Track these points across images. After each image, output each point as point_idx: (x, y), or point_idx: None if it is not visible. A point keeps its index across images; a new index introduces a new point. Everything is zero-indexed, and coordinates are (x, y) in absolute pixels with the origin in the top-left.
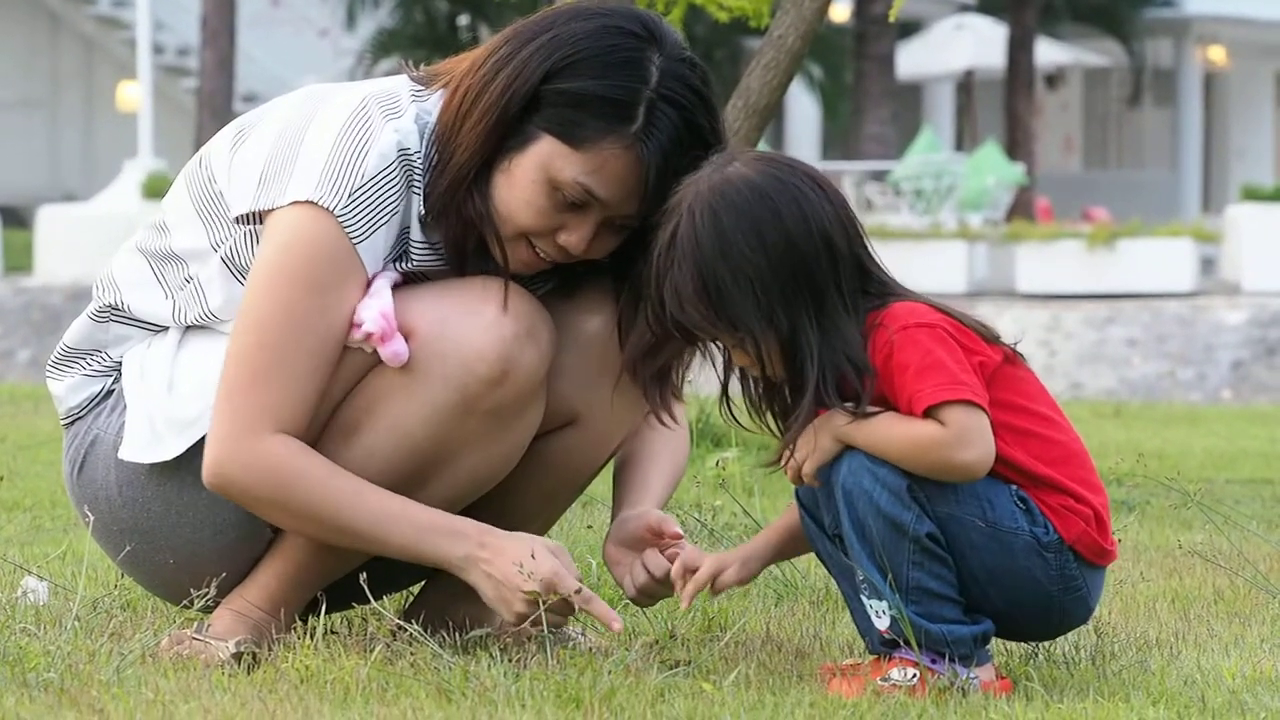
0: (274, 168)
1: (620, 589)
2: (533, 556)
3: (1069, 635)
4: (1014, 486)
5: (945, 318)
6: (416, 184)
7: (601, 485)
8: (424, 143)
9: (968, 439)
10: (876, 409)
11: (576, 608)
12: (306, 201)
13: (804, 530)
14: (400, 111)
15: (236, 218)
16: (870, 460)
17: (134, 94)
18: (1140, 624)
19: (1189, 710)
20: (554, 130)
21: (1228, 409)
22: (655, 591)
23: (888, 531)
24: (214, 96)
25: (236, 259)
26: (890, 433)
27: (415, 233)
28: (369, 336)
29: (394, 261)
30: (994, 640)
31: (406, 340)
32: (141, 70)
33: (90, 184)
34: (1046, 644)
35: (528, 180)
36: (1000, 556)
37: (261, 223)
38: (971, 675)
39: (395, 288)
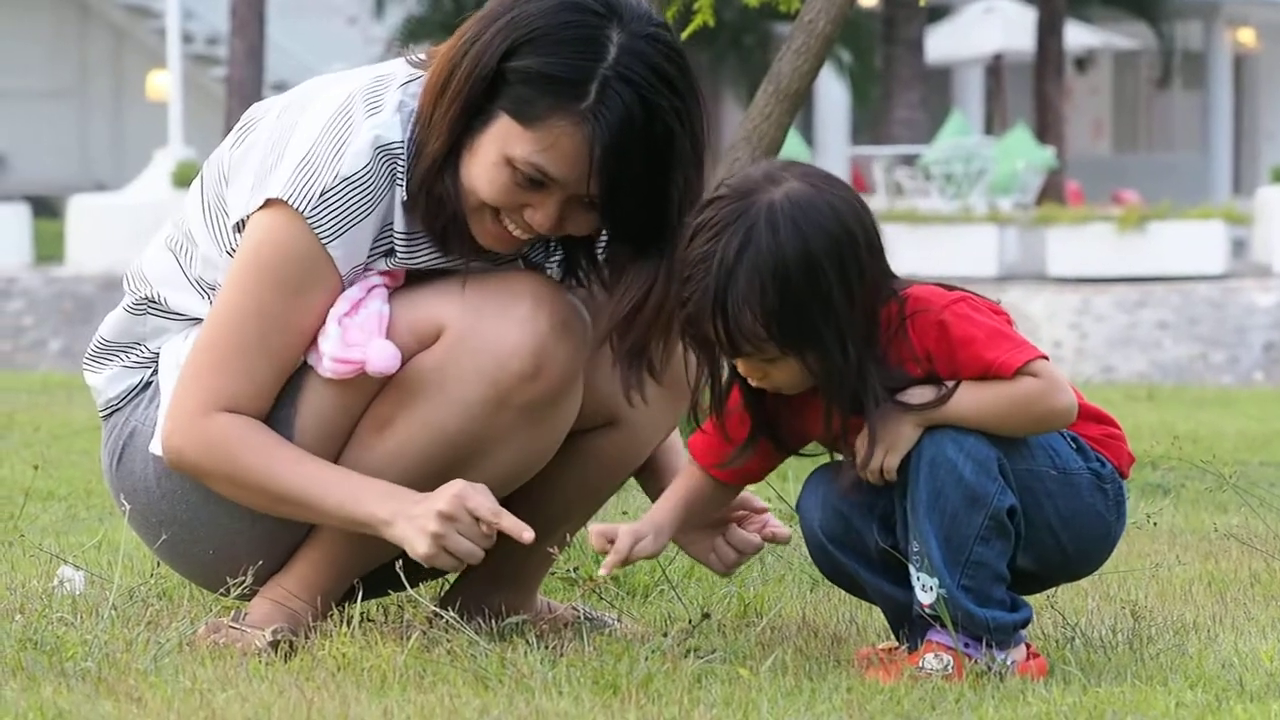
0: (261, 174)
1: (700, 564)
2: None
3: (1105, 619)
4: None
5: (962, 291)
6: (400, 175)
7: None
8: (406, 130)
9: (1061, 385)
10: (948, 386)
11: (485, 530)
12: (277, 200)
13: (830, 566)
14: (382, 105)
15: (234, 225)
16: (956, 433)
17: (164, 83)
18: (1177, 607)
19: (1227, 693)
20: (509, 110)
21: (1260, 391)
22: (740, 563)
23: (963, 504)
24: (244, 85)
25: None
26: (987, 397)
27: (399, 224)
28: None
29: (384, 256)
30: (1034, 619)
31: (440, 336)
32: (171, 59)
33: (120, 173)
34: (1083, 627)
35: (488, 160)
36: (1071, 499)
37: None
38: (1008, 660)
39: (399, 290)
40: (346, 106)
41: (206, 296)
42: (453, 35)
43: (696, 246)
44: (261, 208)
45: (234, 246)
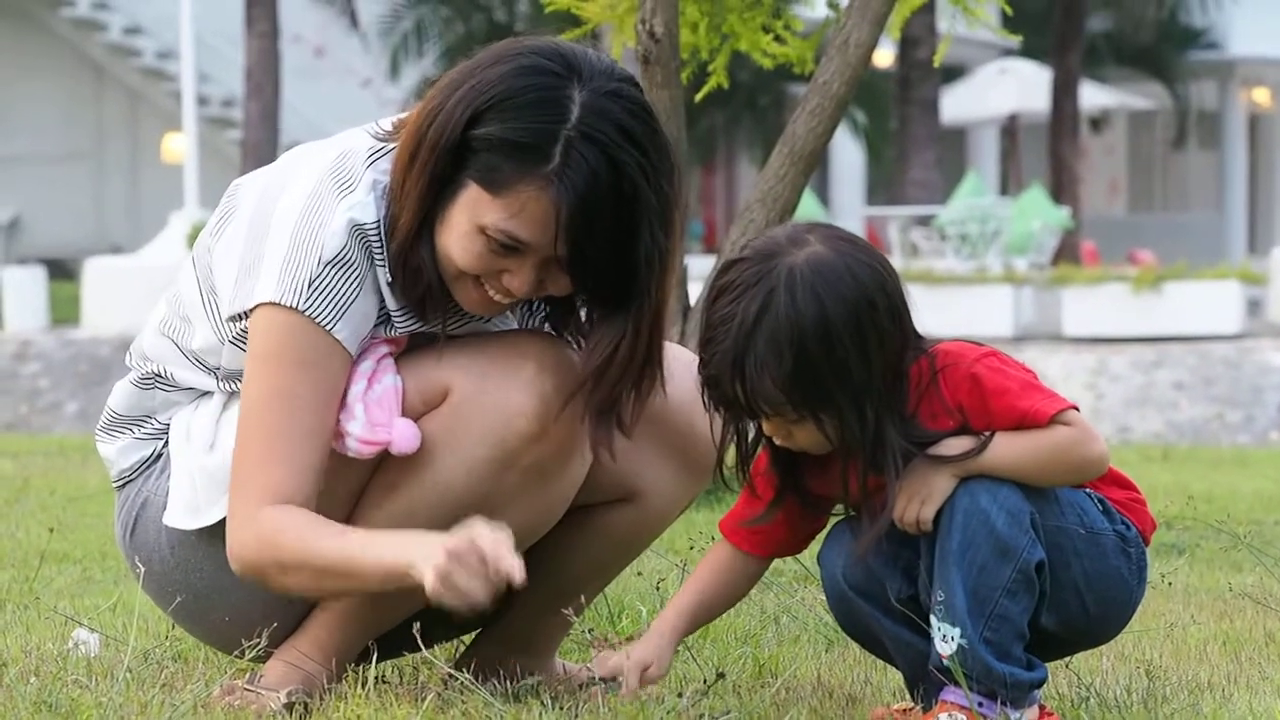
0: (245, 265)
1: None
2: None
3: (1120, 678)
4: (1087, 490)
5: (990, 347)
6: (378, 255)
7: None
8: (379, 209)
9: (1094, 434)
10: (984, 436)
11: (492, 570)
12: (270, 303)
13: (850, 617)
14: (353, 184)
15: (228, 318)
16: (991, 483)
17: (179, 146)
18: (1192, 667)
19: None
20: (477, 179)
21: (1276, 451)
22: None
23: (993, 555)
24: (259, 147)
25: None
26: (1023, 445)
27: (390, 302)
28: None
29: (382, 325)
30: (1049, 679)
31: (443, 396)
32: (186, 122)
33: (136, 236)
34: (1098, 687)
35: (460, 230)
36: (1097, 560)
37: (246, 319)
38: (1023, 718)
39: (404, 354)
40: (316, 193)
41: (212, 374)
42: (419, 104)
43: (719, 308)
44: (256, 311)
45: (234, 336)
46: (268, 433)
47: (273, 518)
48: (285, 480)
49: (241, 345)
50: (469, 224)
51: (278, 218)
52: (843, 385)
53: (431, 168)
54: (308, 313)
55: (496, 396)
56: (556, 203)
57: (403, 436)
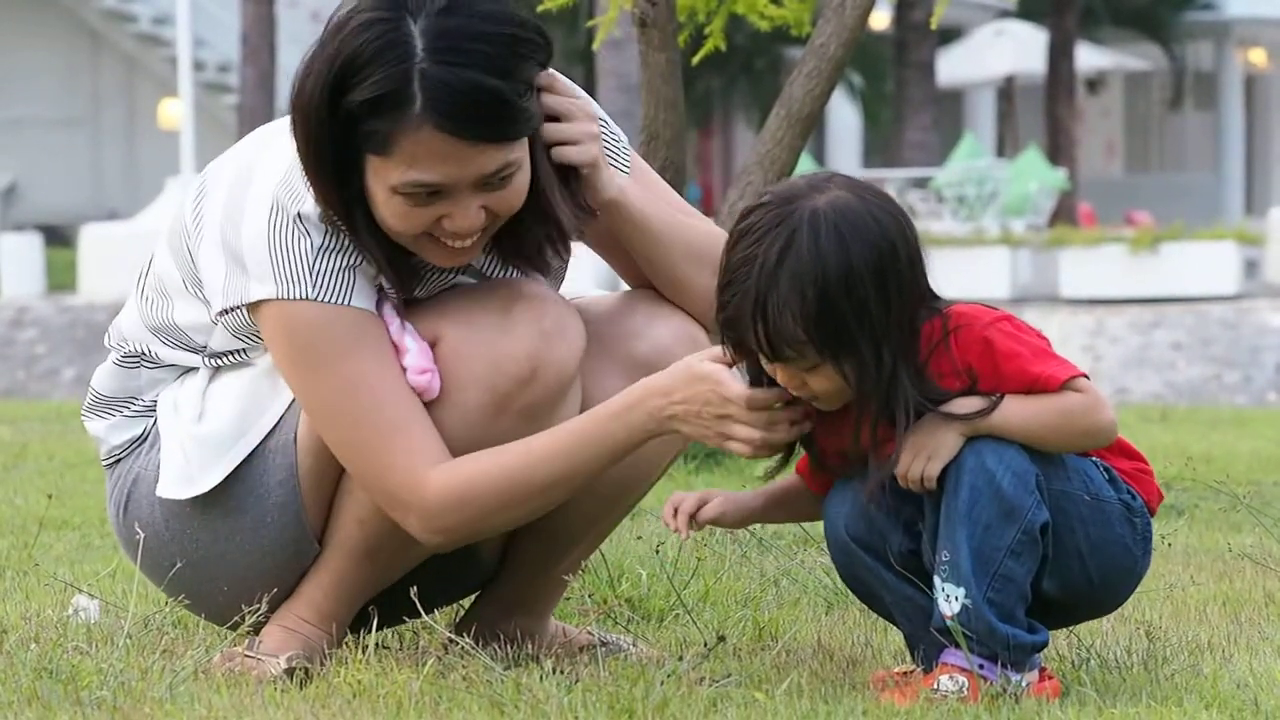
0: (230, 261)
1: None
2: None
3: (1120, 639)
4: (1093, 458)
5: (1005, 312)
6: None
7: (651, 498)
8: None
9: (1104, 402)
10: (987, 398)
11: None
12: (273, 300)
13: (851, 570)
14: (304, 195)
15: (218, 313)
16: (997, 444)
17: (175, 111)
18: (1191, 628)
19: (1242, 714)
20: (367, 148)
21: (1274, 411)
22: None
23: (998, 515)
24: (255, 113)
25: (239, 331)
26: (1032, 409)
27: (384, 280)
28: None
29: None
30: (1049, 643)
31: (434, 345)
32: (183, 87)
33: (133, 202)
34: (1098, 648)
35: (380, 199)
36: (1102, 527)
37: (236, 311)
38: (1023, 682)
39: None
40: (286, 180)
41: (196, 352)
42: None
43: (739, 251)
44: (259, 309)
45: (244, 326)
46: (370, 421)
47: (444, 479)
48: (420, 443)
49: (229, 328)
50: (383, 192)
51: (251, 212)
52: (863, 328)
53: (319, 164)
54: (319, 298)
55: (485, 341)
56: (444, 131)
57: (431, 381)
